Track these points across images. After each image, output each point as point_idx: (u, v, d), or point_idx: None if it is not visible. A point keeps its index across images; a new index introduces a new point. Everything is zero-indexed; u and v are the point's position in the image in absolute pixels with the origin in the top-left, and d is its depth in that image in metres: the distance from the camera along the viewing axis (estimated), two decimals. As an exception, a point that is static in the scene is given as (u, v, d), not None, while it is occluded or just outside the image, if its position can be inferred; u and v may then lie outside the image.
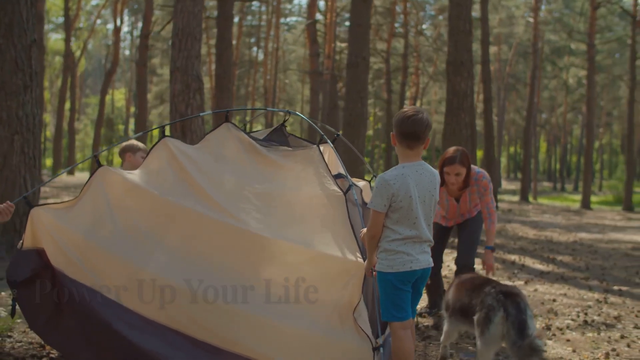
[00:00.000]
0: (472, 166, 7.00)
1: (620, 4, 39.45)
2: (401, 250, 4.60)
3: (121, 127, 75.60)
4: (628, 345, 6.85)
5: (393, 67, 47.70)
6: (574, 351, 6.56)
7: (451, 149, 6.90)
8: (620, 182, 54.38)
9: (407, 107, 4.68)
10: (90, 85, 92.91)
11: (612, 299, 9.32)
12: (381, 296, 4.72)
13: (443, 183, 6.92)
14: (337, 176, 5.70)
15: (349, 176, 5.65)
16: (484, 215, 7.13)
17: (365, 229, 4.95)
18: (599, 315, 8.25)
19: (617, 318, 8.08)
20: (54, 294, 5.20)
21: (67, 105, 52.08)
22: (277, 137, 6.18)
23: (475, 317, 5.32)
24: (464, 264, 7.25)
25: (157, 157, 5.65)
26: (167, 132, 6.02)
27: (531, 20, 47.25)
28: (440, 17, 53.07)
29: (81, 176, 41.54)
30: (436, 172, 4.77)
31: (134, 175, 5.59)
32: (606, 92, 65.86)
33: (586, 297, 9.39)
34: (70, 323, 5.13)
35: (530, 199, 44.74)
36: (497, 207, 7.57)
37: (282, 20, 56.91)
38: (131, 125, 74.51)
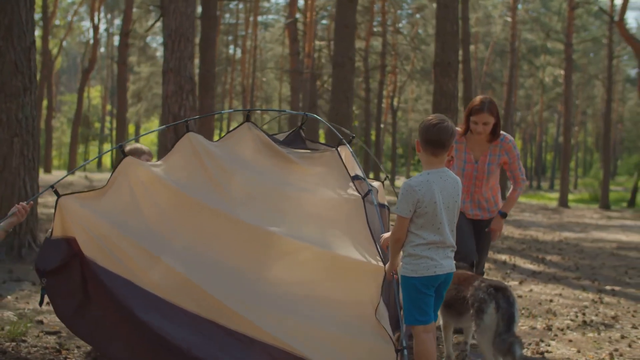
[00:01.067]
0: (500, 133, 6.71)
1: (597, 4, 39.81)
2: (425, 255, 4.68)
3: (97, 125, 75.24)
4: (629, 346, 6.97)
5: (371, 65, 47.83)
6: (578, 351, 6.66)
7: (478, 98, 6.58)
8: (596, 180, 54.88)
9: (432, 116, 4.83)
10: (65, 82, 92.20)
11: (607, 299, 9.46)
12: (405, 300, 4.80)
13: (466, 133, 6.73)
14: (354, 177, 5.77)
15: (366, 179, 5.73)
16: (512, 182, 6.84)
17: (386, 234, 5.07)
18: (596, 315, 8.37)
19: (615, 318, 8.21)
20: (83, 284, 5.25)
21: (44, 103, 51.71)
22: (295, 140, 6.23)
23: (471, 312, 5.45)
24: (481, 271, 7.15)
25: (180, 151, 5.74)
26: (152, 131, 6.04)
27: (509, 19, 47.57)
28: (418, 16, 53.28)
29: (58, 174, 41.15)
30: (458, 179, 4.87)
31: (157, 167, 5.66)
32: (581, 90, 66.45)
33: (581, 297, 9.52)
34: (99, 312, 5.19)
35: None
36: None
37: (259, 18, 56.78)
38: (108, 124, 74.21)
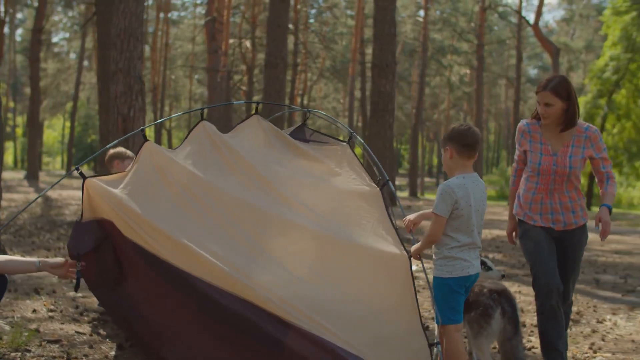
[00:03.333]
0: (580, 121, 5.56)
1: (510, 6, 40.92)
2: (459, 256, 4.89)
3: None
4: (602, 339, 7.28)
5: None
6: (561, 347, 6.93)
7: (551, 75, 5.59)
8: (501, 177, 56.38)
9: (458, 123, 5.19)
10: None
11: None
12: (438, 301, 4.95)
13: (539, 119, 5.69)
14: None
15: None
16: (599, 179, 5.60)
17: (411, 216, 5.38)
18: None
19: (579, 314, 8.52)
20: (117, 263, 5.30)
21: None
22: (300, 136, 6.31)
23: (470, 316, 5.62)
24: (568, 300, 5.79)
25: (195, 138, 5.83)
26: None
27: (420, 19, 48.43)
28: (328, 14, 53.68)
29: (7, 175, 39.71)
30: (483, 183, 5.08)
31: (174, 153, 5.70)
32: (486, 90, 68.14)
33: (539, 294, 9.83)
34: (131, 290, 5.26)
35: (419, 194, 45.87)
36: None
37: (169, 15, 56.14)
38: (10, 121, 72.04)
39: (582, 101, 36.57)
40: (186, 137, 5.84)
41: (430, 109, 70.01)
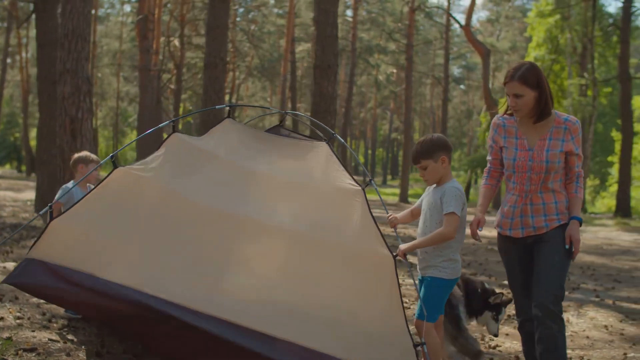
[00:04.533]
0: (558, 112, 5.08)
1: (436, 6, 41.51)
2: (457, 258, 5.15)
3: None
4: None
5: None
6: (522, 345, 7.17)
7: (517, 63, 5.15)
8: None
9: (436, 134, 5.34)
10: None
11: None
12: (433, 300, 5.11)
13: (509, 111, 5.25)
14: None
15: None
16: (569, 178, 5.08)
17: (399, 214, 5.54)
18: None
19: (531, 312, 8.81)
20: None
21: None
22: (277, 135, 6.31)
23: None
24: (547, 312, 4.92)
25: (168, 149, 5.83)
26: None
27: (349, 19, 48.77)
28: (255, 13, 53.63)
29: None
30: None
31: (143, 170, 5.69)
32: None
33: (490, 293, 10.09)
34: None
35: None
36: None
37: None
38: None
39: (506, 101, 37.29)
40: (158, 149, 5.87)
41: (357, 107, 70.60)
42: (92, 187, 7.20)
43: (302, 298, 5.23)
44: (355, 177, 5.79)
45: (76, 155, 7.41)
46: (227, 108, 6.38)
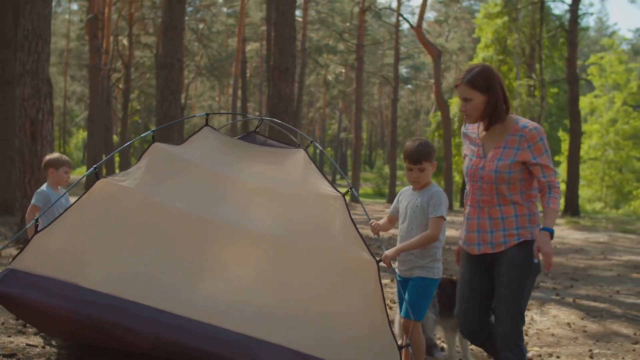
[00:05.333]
0: (517, 116, 4.76)
1: (387, 8, 41.82)
2: (441, 258, 5.30)
3: None
4: (526, 334, 7.74)
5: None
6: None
7: (470, 66, 4.86)
8: (378, 176, 57.51)
9: (423, 138, 5.40)
10: None
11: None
12: (422, 299, 5.26)
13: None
14: None
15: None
16: (539, 190, 4.68)
17: (381, 221, 5.60)
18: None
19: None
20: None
21: None
22: (252, 141, 6.35)
23: None
24: (503, 341, 4.66)
25: (150, 159, 5.83)
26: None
27: (299, 19, 48.84)
28: (204, 12, 53.41)
29: None
30: None
31: (126, 180, 5.69)
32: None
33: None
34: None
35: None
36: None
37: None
38: None
39: (457, 101, 37.84)
40: (139, 160, 5.90)
41: (306, 107, 70.74)
42: (64, 190, 7.22)
43: (285, 302, 5.30)
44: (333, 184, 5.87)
45: (47, 157, 7.36)
46: (205, 117, 6.42)
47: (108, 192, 5.59)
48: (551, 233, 4.46)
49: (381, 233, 5.74)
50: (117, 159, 45.38)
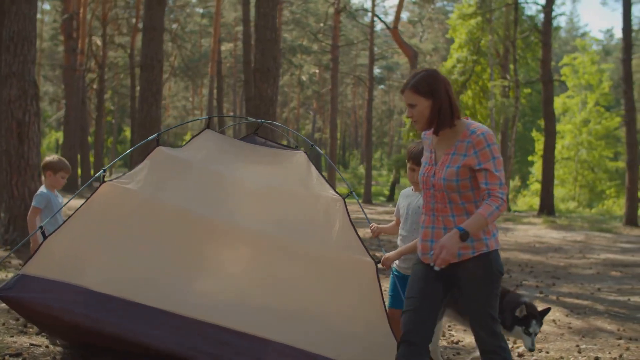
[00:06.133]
0: (470, 121, 4.55)
1: (363, 9, 41.99)
2: None
3: None
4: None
5: (137, 63, 47.28)
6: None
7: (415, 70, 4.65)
8: (353, 176, 57.74)
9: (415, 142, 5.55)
10: None
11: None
12: None
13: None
14: None
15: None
16: (481, 196, 4.39)
17: (383, 225, 5.78)
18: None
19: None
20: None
21: None
22: (252, 143, 6.50)
23: None
24: (485, 348, 4.51)
25: (153, 162, 5.95)
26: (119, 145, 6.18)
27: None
28: (178, 12, 53.29)
29: None
30: None
31: (129, 183, 5.81)
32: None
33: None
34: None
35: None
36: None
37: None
38: None
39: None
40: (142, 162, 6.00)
41: (280, 107, 70.80)
42: (58, 195, 7.31)
43: (286, 301, 5.44)
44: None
45: (47, 159, 7.41)
46: (207, 120, 6.54)
47: (113, 195, 5.70)
48: (462, 233, 4.21)
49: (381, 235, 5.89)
50: (91, 159, 45.17)
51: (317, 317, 5.39)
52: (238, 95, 65.78)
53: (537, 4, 32.44)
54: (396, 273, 5.59)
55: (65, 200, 7.27)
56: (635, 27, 28.78)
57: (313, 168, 6.11)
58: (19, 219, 11.70)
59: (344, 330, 5.37)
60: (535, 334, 5.78)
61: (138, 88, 47.38)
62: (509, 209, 33.45)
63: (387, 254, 5.45)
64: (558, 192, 39.94)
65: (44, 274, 5.32)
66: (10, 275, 9.34)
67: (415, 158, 5.33)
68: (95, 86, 45.80)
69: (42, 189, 7.28)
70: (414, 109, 4.45)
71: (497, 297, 4.48)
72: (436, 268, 4.24)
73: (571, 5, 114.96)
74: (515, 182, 44.60)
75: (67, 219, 5.67)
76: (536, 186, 43.88)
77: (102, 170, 5.86)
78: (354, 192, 6.04)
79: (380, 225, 5.84)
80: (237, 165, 6.20)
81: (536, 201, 38.14)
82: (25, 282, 5.29)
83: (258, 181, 6.04)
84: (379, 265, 5.50)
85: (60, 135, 59.80)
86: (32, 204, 7.16)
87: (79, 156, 35.28)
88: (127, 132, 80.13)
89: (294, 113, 69.54)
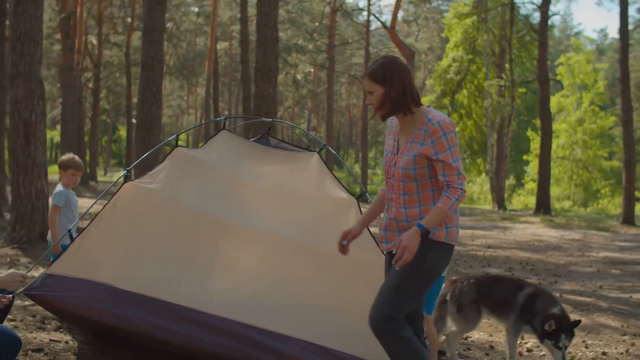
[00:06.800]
0: (431, 109, 4.50)
1: (359, 9, 42.11)
2: None
3: None
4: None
5: (133, 62, 47.36)
6: (490, 335, 7.64)
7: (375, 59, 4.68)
8: (349, 175, 57.72)
9: None
10: None
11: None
12: (433, 295, 5.56)
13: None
14: None
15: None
16: (440, 187, 4.39)
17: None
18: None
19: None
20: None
21: None
22: (265, 144, 6.63)
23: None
24: (373, 330, 4.44)
25: (173, 162, 6.09)
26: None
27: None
28: (174, 11, 53.35)
29: None
30: None
31: (151, 183, 5.94)
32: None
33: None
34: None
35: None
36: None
37: None
38: None
39: (427, 100, 38.25)
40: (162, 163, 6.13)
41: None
42: (73, 193, 7.44)
43: (303, 299, 5.57)
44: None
45: (64, 158, 7.54)
46: (223, 121, 6.66)
47: (135, 195, 5.82)
48: (422, 232, 4.20)
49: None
50: (87, 158, 45.20)
51: (332, 314, 5.49)
52: (233, 95, 65.85)
53: (533, 3, 32.56)
54: None
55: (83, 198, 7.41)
56: (630, 27, 28.86)
57: (326, 169, 6.22)
58: (26, 217, 11.81)
59: (359, 327, 5.48)
60: (566, 348, 5.70)
61: (134, 87, 47.65)
62: (505, 208, 33.63)
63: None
64: (553, 191, 40.09)
65: (70, 273, 5.44)
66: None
67: None
68: (91, 85, 45.79)
69: (59, 187, 7.40)
70: (372, 95, 4.44)
71: (415, 294, 4.40)
72: (397, 268, 4.23)
73: (566, 4, 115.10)
74: (510, 181, 44.74)
75: (92, 219, 5.79)
76: (531, 185, 44.07)
77: (125, 171, 5.97)
78: (367, 193, 6.15)
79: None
80: (252, 166, 6.33)
81: (531, 200, 38.32)
82: (51, 281, 5.40)
83: (272, 182, 6.17)
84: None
85: (55, 134, 59.75)
86: (52, 202, 7.28)
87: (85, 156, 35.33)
88: (122, 132, 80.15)
89: (289, 112, 69.56)
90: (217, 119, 6.67)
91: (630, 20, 29.16)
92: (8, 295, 4.74)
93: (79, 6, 35.71)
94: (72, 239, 5.68)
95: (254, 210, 5.99)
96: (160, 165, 6.04)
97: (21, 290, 5.37)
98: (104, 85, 54.18)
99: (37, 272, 8.25)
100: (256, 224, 5.86)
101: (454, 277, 6.55)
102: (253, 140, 6.67)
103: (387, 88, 4.35)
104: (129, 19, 45.70)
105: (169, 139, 6.47)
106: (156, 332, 5.16)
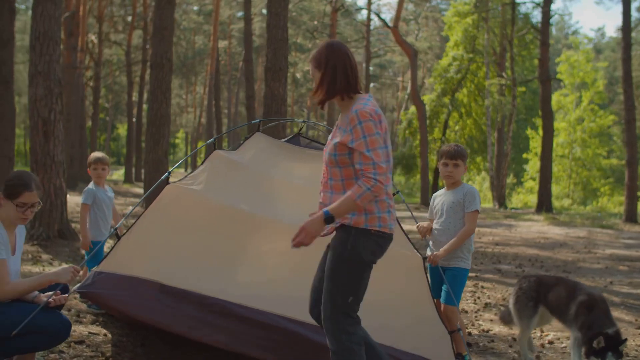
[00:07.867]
0: (363, 96, 4.42)
1: (360, 8, 42.24)
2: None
3: None
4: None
5: (133, 60, 47.54)
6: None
7: None
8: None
9: (454, 144, 6.12)
10: None
11: (481, 284, 10.80)
12: (460, 287, 5.91)
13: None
14: None
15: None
16: (357, 172, 4.27)
17: (424, 223, 6.16)
18: (489, 298, 9.65)
19: (505, 300, 9.50)
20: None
21: None
22: (296, 144, 6.85)
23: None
24: (325, 326, 4.42)
25: (212, 164, 6.32)
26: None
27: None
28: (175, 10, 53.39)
29: None
30: None
31: (192, 185, 6.16)
32: (328, 87, 69.64)
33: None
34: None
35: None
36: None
37: None
38: None
39: (428, 99, 38.42)
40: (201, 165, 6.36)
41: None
42: (108, 189, 7.65)
43: None
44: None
45: (92, 155, 7.73)
46: (258, 124, 6.88)
47: (177, 196, 6.05)
48: (326, 217, 4.17)
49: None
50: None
51: (371, 308, 5.68)
52: (233, 94, 66.05)
53: (534, 2, 32.76)
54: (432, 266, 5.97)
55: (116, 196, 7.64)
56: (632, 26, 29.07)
57: None
58: (45, 214, 11.99)
59: (396, 320, 5.71)
60: None
61: (135, 86, 47.75)
62: (505, 206, 33.84)
63: (437, 252, 5.82)
64: (552, 189, 40.35)
65: (118, 271, 5.68)
66: (46, 269, 9.62)
67: (448, 153, 5.94)
68: (91, 83, 45.92)
69: (90, 185, 7.62)
70: (314, 80, 4.44)
71: (350, 283, 4.31)
72: (293, 247, 4.25)
73: (568, 3, 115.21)
74: (510, 179, 45.00)
75: (137, 219, 6.01)
76: (530, 183, 44.33)
77: (167, 173, 6.18)
78: (400, 192, 6.36)
79: (422, 223, 6.18)
80: (286, 165, 6.55)
81: (530, 198, 38.57)
82: (102, 279, 5.62)
83: (305, 181, 6.35)
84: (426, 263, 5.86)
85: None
86: (81, 200, 7.50)
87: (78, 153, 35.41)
88: (120, 130, 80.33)
89: (288, 111, 69.73)
90: (252, 121, 6.87)
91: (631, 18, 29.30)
92: (64, 295, 4.95)
93: (81, 5, 35.82)
94: (119, 237, 5.89)
95: (289, 207, 6.18)
96: (201, 167, 6.26)
97: (75, 288, 5.60)
98: (104, 84, 54.30)
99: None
100: (290, 221, 6.04)
101: (525, 273, 6.79)
102: (284, 141, 6.87)
103: (322, 73, 4.33)
104: (129, 18, 45.79)
105: (207, 142, 6.66)
106: (202, 326, 5.36)
